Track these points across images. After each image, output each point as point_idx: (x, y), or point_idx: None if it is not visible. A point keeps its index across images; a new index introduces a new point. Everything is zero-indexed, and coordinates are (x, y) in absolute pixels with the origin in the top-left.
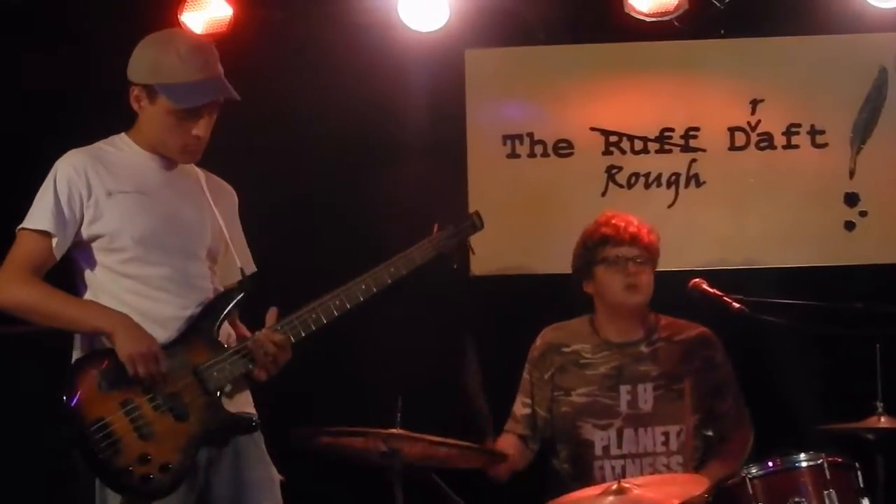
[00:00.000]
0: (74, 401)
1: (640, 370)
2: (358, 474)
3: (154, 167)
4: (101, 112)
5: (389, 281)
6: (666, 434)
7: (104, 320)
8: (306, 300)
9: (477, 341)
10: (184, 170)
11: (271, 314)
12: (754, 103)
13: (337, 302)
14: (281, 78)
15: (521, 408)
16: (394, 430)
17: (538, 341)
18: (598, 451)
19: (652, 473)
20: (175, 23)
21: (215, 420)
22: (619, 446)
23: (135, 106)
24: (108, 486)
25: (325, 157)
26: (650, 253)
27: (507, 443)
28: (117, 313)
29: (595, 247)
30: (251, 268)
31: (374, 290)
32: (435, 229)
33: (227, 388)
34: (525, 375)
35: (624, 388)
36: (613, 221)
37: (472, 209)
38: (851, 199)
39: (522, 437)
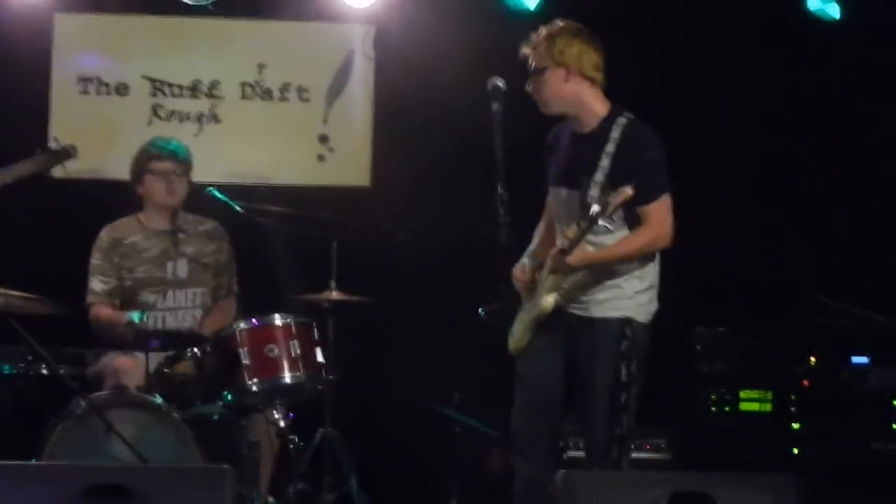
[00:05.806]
0: None
1: (178, 250)
2: None
3: None
4: None
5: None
6: (195, 294)
7: None
8: None
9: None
10: None
11: None
12: (261, 66)
13: None
14: None
15: (101, 285)
16: None
17: (104, 238)
18: (151, 306)
19: (184, 321)
20: None
21: None
22: (164, 302)
23: None
24: None
25: None
26: (185, 167)
27: (108, 311)
28: None
29: (145, 161)
30: None
31: None
32: (38, 152)
33: None
34: (95, 262)
35: (170, 264)
36: (159, 143)
37: (52, 136)
38: (323, 139)
39: (112, 304)
